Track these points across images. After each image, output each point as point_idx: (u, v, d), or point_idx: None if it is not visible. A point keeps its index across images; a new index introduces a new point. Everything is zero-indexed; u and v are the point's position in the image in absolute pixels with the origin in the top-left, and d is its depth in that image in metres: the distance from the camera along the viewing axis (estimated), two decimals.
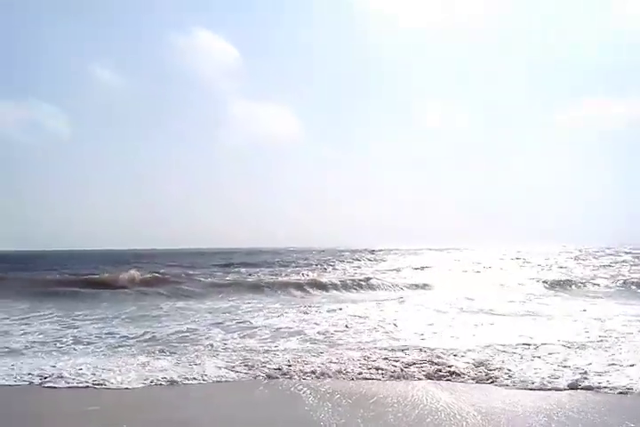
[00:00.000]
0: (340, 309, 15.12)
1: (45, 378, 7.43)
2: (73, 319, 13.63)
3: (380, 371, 7.69)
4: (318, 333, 10.95)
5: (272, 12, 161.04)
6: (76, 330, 11.88)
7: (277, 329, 11.48)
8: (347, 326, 11.72)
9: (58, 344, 10.14)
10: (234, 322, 12.64)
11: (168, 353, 9.08)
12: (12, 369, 7.95)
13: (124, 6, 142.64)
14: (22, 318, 13.94)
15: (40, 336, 10.99)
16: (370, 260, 48.22)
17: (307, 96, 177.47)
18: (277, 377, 7.47)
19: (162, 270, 30.11)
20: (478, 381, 7.19)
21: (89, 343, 10.17)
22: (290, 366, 7.96)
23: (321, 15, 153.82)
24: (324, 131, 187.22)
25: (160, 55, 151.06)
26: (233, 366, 7.99)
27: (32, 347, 9.88)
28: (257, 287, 21.37)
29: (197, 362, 8.29)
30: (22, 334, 11.29)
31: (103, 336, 10.90)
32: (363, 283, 23.32)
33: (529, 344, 9.41)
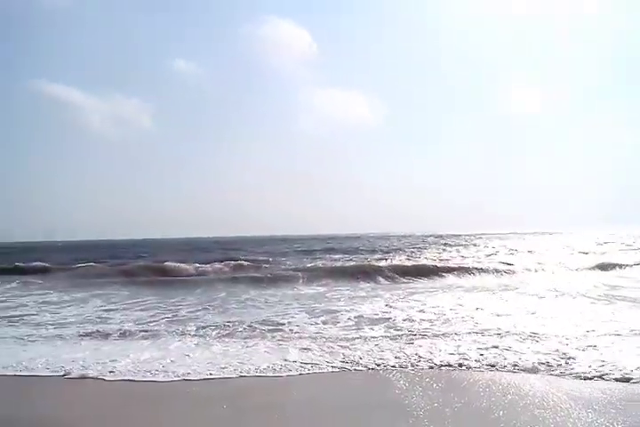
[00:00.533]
0: (430, 296, 14.70)
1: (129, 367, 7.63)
2: (167, 306, 14.10)
3: (468, 360, 7.35)
4: (405, 320, 10.64)
5: None
6: (168, 317, 12.24)
7: (363, 316, 11.25)
8: (436, 314, 11.32)
9: (149, 331, 10.41)
10: (319, 309, 12.57)
11: (253, 340, 9.12)
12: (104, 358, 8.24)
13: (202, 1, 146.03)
14: (121, 305, 14.59)
15: (131, 324, 11.31)
16: (458, 245, 46.89)
17: (382, 81, 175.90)
18: (363, 365, 7.30)
19: (249, 257, 30.80)
20: (566, 371, 6.68)
21: (178, 330, 10.35)
22: (375, 353, 7.80)
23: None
24: (400, 115, 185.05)
25: (237, 46, 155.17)
26: (316, 354, 7.91)
27: (124, 333, 10.25)
28: (342, 274, 21.16)
29: (281, 350, 8.29)
30: (120, 322, 11.75)
31: (193, 323, 11.06)
32: (454, 268, 22.53)
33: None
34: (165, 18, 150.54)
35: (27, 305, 15.12)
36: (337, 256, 33.18)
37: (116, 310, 13.79)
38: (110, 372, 7.30)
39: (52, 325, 11.56)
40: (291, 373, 7.09)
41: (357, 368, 7.19)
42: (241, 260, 28.05)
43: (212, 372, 7.16)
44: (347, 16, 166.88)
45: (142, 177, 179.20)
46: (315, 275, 20.97)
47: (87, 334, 10.18)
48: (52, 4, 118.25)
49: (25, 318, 12.67)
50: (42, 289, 19.50)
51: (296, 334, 9.56)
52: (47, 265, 28.26)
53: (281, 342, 8.92)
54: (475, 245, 45.53)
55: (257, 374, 7.04)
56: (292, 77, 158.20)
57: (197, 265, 25.61)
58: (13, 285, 21.31)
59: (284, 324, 10.59)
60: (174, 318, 11.92)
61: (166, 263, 25.80)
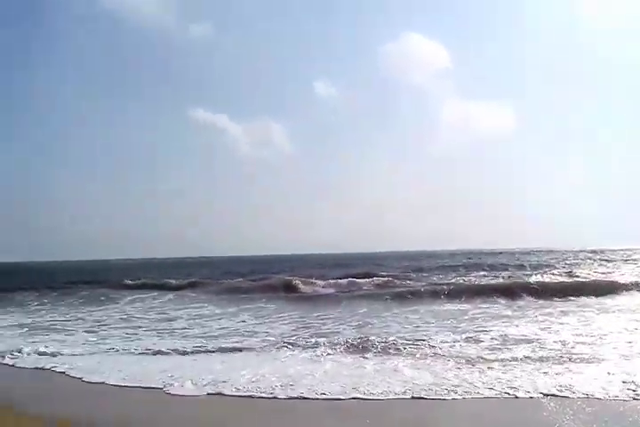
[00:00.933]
0: (585, 316, 13.53)
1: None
2: (310, 321, 14.54)
3: (631, 388, 6.62)
4: (556, 342, 9.86)
5: (479, 9, 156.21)
6: (310, 331, 12.61)
7: (508, 336, 10.63)
8: (592, 336, 10.35)
9: (289, 345, 10.64)
10: (462, 327, 12.19)
11: (390, 359, 9.01)
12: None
13: (336, 20, 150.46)
14: (268, 319, 15.33)
15: (273, 338, 11.65)
16: (616, 260, 42.95)
17: (524, 91, 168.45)
18: (508, 389, 6.86)
19: (391, 273, 30.70)
20: None
21: (317, 345, 10.43)
22: (521, 377, 7.36)
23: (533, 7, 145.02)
24: (541, 125, 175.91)
25: (372, 64, 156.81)
26: (455, 376, 7.63)
27: (266, 347, 10.62)
28: (487, 291, 20.15)
29: (419, 370, 8.13)
30: (265, 335, 12.28)
31: (332, 338, 11.03)
32: (613, 285, 20.30)
33: None
34: (306, 42, 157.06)
35: (181, 317, 16.30)
36: (482, 273, 31.93)
37: (263, 323, 14.40)
38: (235, 388, 7.52)
39: (200, 337, 12.36)
40: (427, 395, 6.82)
41: (502, 393, 6.78)
42: (383, 276, 28.06)
43: (344, 391, 7.09)
44: (477, 25, 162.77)
45: (287, 196, 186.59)
46: (458, 291, 20.25)
47: (228, 348, 10.64)
48: (200, 34, 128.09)
49: (176, 330, 13.71)
50: (196, 302, 20.94)
51: (436, 354, 9.29)
52: (197, 280, 30.53)
53: (419, 362, 8.71)
54: (634, 260, 41.43)
55: (393, 397, 6.82)
56: (430, 91, 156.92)
57: (340, 281, 26.03)
58: (170, 296, 23.24)
59: (423, 341, 10.31)
60: (315, 332, 12.27)
61: (309, 279, 26.49)
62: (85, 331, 14.15)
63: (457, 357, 8.92)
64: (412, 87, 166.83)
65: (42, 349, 11.04)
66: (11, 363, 10.11)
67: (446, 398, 6.68)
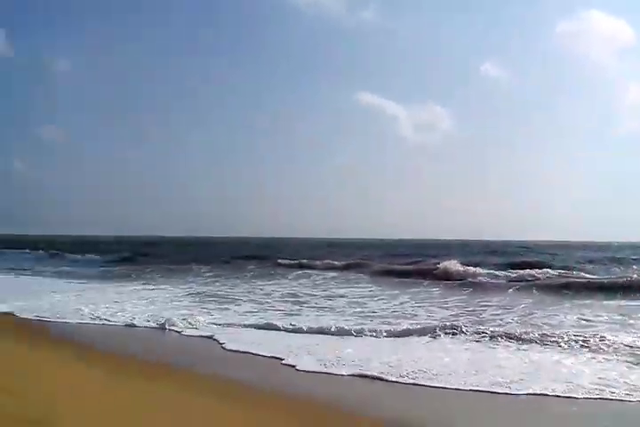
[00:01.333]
0: None
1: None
2: (471, 307, 14.44)
3: None
4: None
5: None
6: (467, 318, 12.48)
7: None
8: None
9: (449, 330, 10.48)
10: (636, 325, 11.26)
11: (551, 352, 8.69)
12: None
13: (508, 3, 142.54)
14: (428, 303, 15.43)
15: (428, 322, 11.73)
16: None
17: None
18: None
19: (559, 264, 28.89)
20: None
21: (468, 331, 10.29)
22: None
23: None
24: None
25: (547, 44, 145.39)
26: (619, 374, 7.16)
27: (419, 331, 10.60)
28: None
29: (581, 366, 7.77)
30: (424, 318, 12.53)
31: (491, 327, 10.73)
32: None
33: None
34: (475, 24, 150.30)
35: (344, 296, 17.12)
36: None
37: (422, 307, 14.52)
38: (370, 369, 7.62)
39: (357, 316, 12.91)
40: (587, 395, 6.39)
41: None
42: (553, 265, 26.53)
43: (492, 383, 6.92)
44: None
45: (455, 182, 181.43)
46: (625, 286, 18.44)
47: (380, 329, 10.77)
48: (368, 20, 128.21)
49: (337, 308, 14.47)
50: (358, 282, 21.70)
51: (603, 351, 8.70)
52: (358, 261, 31.80)
53: (582, 358, 8.29)
54: None
55: (549, 393, 6.46)
56: (613, 72, 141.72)
57: (504, 270, 25.05)
58: (333, 274, 24.64)
59: (590, 337, 9.49)
60: (475, 320, 12.15)
61: (472, 266, 25.83)
62: (251, 303, 15.35)
63: (627, 355, 8.35)
64: (592, 68, 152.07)
65: (204, 317, 12.27)
66: (172, 328, 11.33)
67: (610, 398, 6.28)
